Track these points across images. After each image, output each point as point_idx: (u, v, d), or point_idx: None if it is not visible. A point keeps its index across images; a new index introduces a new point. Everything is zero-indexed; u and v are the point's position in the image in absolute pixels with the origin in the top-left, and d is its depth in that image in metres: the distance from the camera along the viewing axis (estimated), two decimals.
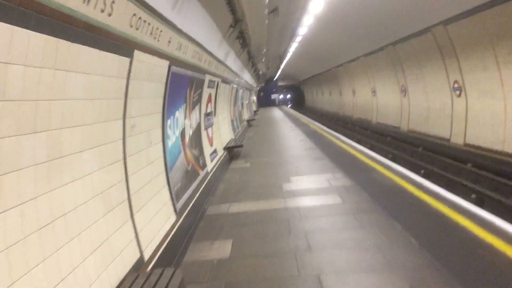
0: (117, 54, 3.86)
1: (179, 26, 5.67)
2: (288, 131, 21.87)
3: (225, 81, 13.90)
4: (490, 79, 12.21)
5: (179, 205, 6.10)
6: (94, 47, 3.30)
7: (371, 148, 18.69)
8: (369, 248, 5.02)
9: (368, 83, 26.38)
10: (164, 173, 5.73)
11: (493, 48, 11.65)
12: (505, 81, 11.45)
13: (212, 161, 10.25)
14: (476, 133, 13.31)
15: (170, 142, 6.23)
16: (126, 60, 4.10)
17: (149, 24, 4.39)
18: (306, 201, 7.41)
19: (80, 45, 3.07)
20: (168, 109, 6.04)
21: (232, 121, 18.26)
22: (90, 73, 3.32)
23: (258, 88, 52.92)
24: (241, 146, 13.65)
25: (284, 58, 35.95)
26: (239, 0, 8.23)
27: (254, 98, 51.47)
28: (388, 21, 16.61)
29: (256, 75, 33.14)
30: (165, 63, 5.57)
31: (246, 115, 30.36)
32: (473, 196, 9.88)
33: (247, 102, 33.29)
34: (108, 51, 3.58)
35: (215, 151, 11.11)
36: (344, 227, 5.80)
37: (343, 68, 31.43)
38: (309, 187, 8.47)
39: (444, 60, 14.86)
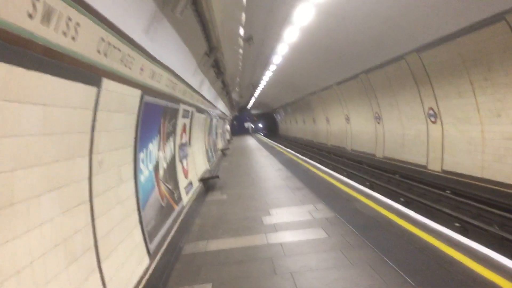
0: (82, 82, 3.45)
1: (153, 53, 5.31)
2: (263, 159, 21.54)
3: (199, 110, 13.53)
4: (465, 105, 12.26)
5: (152, 246, 5.59)
6: (55, 75, 2.89)
7: (348, 176, 18.52)
8: None
9: (342, 111, 26.50)
10: (136, 212, 5.24)
11: (468, 74, 11.74)
12: (481, 107, 11.50)
13: (187, 194, 9.75)
14: (453, 160, 13.29)
15: (143, 178, 5.77)
16: (93, 89, 3.69)
17: (119, 50, 4.01)
18: (289, 236, 7.00)
19: (38, 72, 2.66)
20: (140, 141, 5.61)
21: (207, 151, 17.82)
22: (50, 104, 2.89)
23: (231, 117, 52.77)
24: (217, 177, 13.19)
25: (258, 87, 36.00)
26: (214, 27, 7.95)
27: (228, 127, 51.24)
28: (361, 50, 16.74)
29: (230, 104, 32.95)
30: (137, 92, 5.17)
31: (220, 144, 29.95)
32: (457, 224, 9.66)
33: (221, 131, 32.95)
34: (72, 80, 3.18)
35: (190, 183, 10.63)
36: (333, 266, 5.40)
37: (316, 97, 31.61)
38: (291, 220, 8.06)
39: (418, 87, 14.97)
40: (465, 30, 11.16)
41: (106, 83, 3.93)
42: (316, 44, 17.55)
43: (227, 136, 46.95)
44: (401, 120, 17.44)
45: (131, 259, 4.69)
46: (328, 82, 25.59)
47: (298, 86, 32.82)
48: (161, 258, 5.80)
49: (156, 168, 6.75)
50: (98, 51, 3.54)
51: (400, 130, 17.63)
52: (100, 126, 3.94)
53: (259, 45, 17.89)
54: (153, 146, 6.51)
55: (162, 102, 6.87)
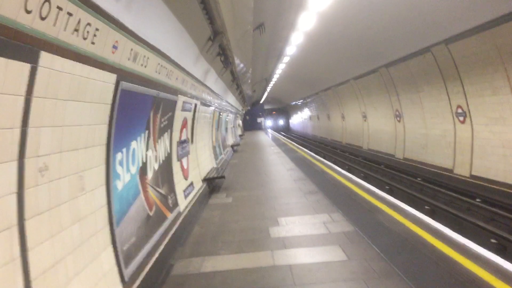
0: (2, 56, 2.33)
1: (131, 27, 4.17)
2: (275, 157, 20.34)
3: (205, 103, 12.40)
4: (500, 103, 10.93)
5: (129, 270, 4.47)
6: None
7: (365, 178, 17.25)
8: None
9: (359, 108, 25.15)
10: (107, 229, 4.11)
11: (505, 69, 10.40)
12: None
13: (186, 197, 8.63)
14: (484, 164, 11.96)
15: (120, 184, 4.64)
16: (24, 67, 2.56)
17: (70, 14, 2.88)
18: (300, 256, 5.82)
19: None
20: (117, 139, 4.47)
21: (214, 147, 16.69)
22: None
23: (243, 112, 51.61)
24: (222, 177, 12.05)
25: (271, 81, 34.74)
26: (217, 7, 6.78)
27: (240, 121, 50.11)
28: (382, 42, 15.43)
29: (242, 98, 31.77)
30: (111, 76, 4.02)
31: (230, 140, 28.83)
32: (493, 241, 8.40)
33: (231, 126, 31.81)
34: None
35: (191, 184, 9.51)
36: None
37: (331, 92, 30.27)
38: (303, 233, 6.89)
39: (445, 83, 13.62)
40: (503, 18, 9.83)
41: (48, 59, 2.80)
42: (334, 33, 16.22)
43: (239, 132, 45.80)
44: (424, 119, 16.10)
45: None
46: (345, 76, 24.25)
47: (312, 81, 31.51)
48: (141, 284, 4.68)
49: (143, 170, 5.62)
50: (27, 11, 2.41)
51: (423, 129, 16.28)
52: (39, 119, 2.82)
53: (271, 34, 16.66)
54: (138, 144, 5.37)
55: (152, 92, 5.72)
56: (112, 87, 4.11)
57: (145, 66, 5.08)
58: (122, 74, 4.31)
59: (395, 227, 6.74)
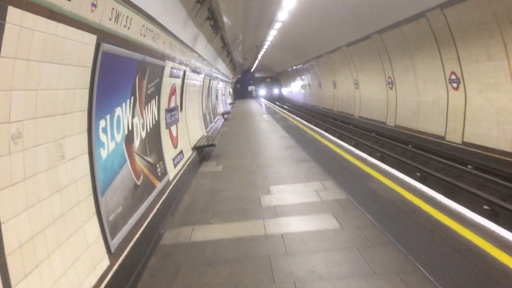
0: None
1: None
2: (266, 125, 20.16)
3: (194, 70, 12.06)
4: (495, 70, 10.75)
5: (116, 241, 4.31)
6: None
7: (356, 146, 17.17)
8: None
9: (351, 75, 24.86)
10: (91, 199, 3.92)
11: (501, 34, 10.16)
12: None
13: (176, 166, 8.45)
14: (477, 131, 11.88)
15: (105, 152, 4.42)
16: None
17: None
18: (292, 225, 5.72)
19: None
20: (100, 105, 4.23)
21: (204, 115, 16.42)
22: None
23: (234, 80, 50.98)
24: (213, 145, 11.87)
25: (262, 48, 34.14)
26: None
27: (230, 90, 49.57)
28: (376, 7, 15.03)
29: (232, 66, 31.24)
30: (90, 37, 3.74)
31: (221, 108, 28.51)
32: (486, 207, 8.38)
33: (222, 94, 31.41)
34: None
35: (180, 152, 9.31)
36: (350, 273, 4.11)
37: (323, 59, 29.85)
38: (294, 202, 6.78)
39: (439, 49, 13.38)
40: None
41: (18, 15, 2.53)
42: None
43: (230, 100, 45.35)
44: (417, 86, 15.92)
45: (77, 267, 3.41)
46: (337, 43, 23.82)
47: (304, 48, 31.00)
48: (129, 255, 4.55)
49: (129, 138, 5.39)
50: None
51: (415, 96, 16.13)
52: (9, 81, 2.57)
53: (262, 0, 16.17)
54: (123, 111, 5.12)
55: (136, 56, 5.43)
56: (92, 49, 3.83)
57: (129, 28, 4.78)
58: (103, 36, 4.03)
59: (388, 194, 6.65)
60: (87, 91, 3.89)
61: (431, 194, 6.35)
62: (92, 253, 3.74)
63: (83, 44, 3.62)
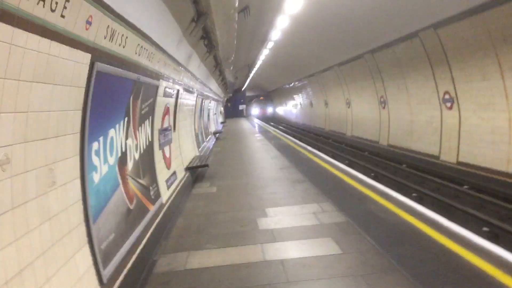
0: None
1: (107, 1, 3.71)
2: (258, 145, 20.00)
3: (188, 90, 11.92)
4: (490, 89, 10.76)
5: (108, 270, 4.07)
6: None
7: (350, 165, 17.04)
8: None
9: (343, 94, 24.91)
10: (82, 226, 3.70)
11: (496, 54, 10.19)
12: (510, 92, 9.98)
13: (169, 187, 8.22)
14: (472, 151, 11.83)
15: (97, 176, 4.21)
16: None
17: None
18: (292, 250, 5.50)
19: None
20: (93, 126, 4.03)
21: (196, 135, 16.23)
22: None
23: (225, 99, 50.97)
24: (206, 166, 11.66)
25: (254, 67, 34.20)
26: None
27: (222, 109, 49.49)
28: (368, 27, 15.09)
29: (224, 85, 31.19)
30: (85, 56, 3.58)
31: (213, 127, 28.34)
32: (485, 229, 8.24)
33: (214, 113, 31.29)
34: None
35: (174, 173, 9.09)
36: None
37: (315, 78, 29.96)
38: (292, 225, 6.57)
39: (432, 68, 13.42)
40: (495, 1, 9.58)
41: (8, 32, 2.36)
42: (319, 17, 15.66)
43: (221, 119, 45.22)
44: (410, 105, 15.92)
45: None
46: (329, 62, 23.91)
47: (296, 67, 31.09)
48: (122, 285, 4.29)
49: (122, 160, 5.18)
50: None
51: (409, 116, 16.12)
52: None
53: (255, 17, 16.14)
54: (116, 133, 4.93)
55: (131, 75, 5.27)
56: (86, 68, 3.66)
57: (124, 47, 4.63)
58: (98, 54, 3.86)
59: (388, 217, 6.48)
60: (80, 112, 3.70)
61: (432, 216, 6.18)
62: (83, 285, 3.49)
63: (77, 63, 3.45)
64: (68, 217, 3.41)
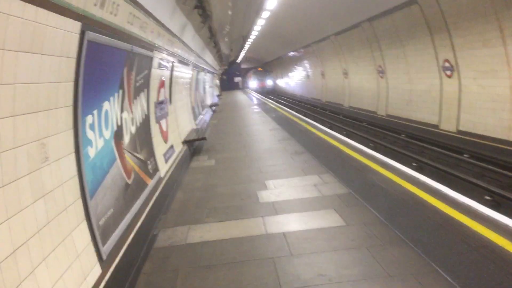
0: None
1: None
2: (255, 116, 19.84)
3: (183, 62, 11.65)
4: (491, 56, 10.53)
5: (107, 247, 3.97)
6: None
7: (348, 136, 16.92)
8: None
9: (340, 65, 24.56)
10: (79, 202, 3.57)
11: (497, 19, 9.92)
12: None
13: (167, 161, 8.09)
14: (472, 119, 11.70)
15: (93, 151, 4.06)
16: None
17: None
18: (294, 222, 5.42)
19: None
20: (86, 99, 3.86)
21: (193, 108, 16.01)
22: None
23: (221, 71, 50.38)
24: (204, 139, 11.51)
25: (249, 38, 33.60)
26: None
27: (217, 81, 49.00)
28: None
29: (219, 57, 30.74)
30: (74, 24, 3.37)
31: (209, 100, 28.06)
32: (487, 197, 8.19)
33: (209, 85, 30.93)
34: None
35: (171, 147, 8.94)
36: (362, 276, 3.84)
37: (311, 49, 29.50)
38: (293, 197, 6.49)
39: (432, 36, 13.12)
40: None
41: None
42: None
43: (216, 92, 44.81)
44: (408, 74, 15.68)
45: (65, 279, 3.07)
46: (325, 32, 23.44)
47: (292, 38, 30.57)
48: (122, 261, 4.21)
49: (118, 134, 5.03)
50: None
51: (407, 85, 15.90)
52: None
53: None
54: (111, 106, 4.76)
55: (125, 46, 5.05)
56: (76, 37, 3.46)
57: (115, 15, 4.40)
58: (88, 23, 3.65)
59: (390, 187, 6.36)
60: (72, 84, 3.52)
61: (435, 186, 6.05)
62: (82, 263, 3.40)
63: (67, 32, 3.25)
64: (63, 194, 3.28)
